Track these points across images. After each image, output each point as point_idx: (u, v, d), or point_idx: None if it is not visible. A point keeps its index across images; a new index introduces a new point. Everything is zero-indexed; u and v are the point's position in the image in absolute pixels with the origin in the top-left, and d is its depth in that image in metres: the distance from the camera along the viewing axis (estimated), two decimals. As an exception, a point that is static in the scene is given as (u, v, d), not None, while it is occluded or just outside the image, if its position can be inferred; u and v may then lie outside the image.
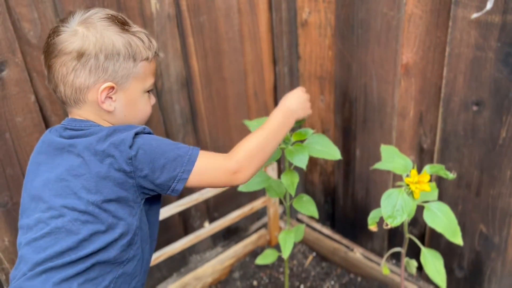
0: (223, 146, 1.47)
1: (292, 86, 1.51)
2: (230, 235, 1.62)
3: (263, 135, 0.85)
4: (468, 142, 1.10)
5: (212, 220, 1.54)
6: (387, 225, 0.81)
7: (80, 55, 0.77)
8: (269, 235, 1.60)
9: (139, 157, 0.75)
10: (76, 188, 0.74)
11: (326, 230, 1.60)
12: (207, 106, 1.38)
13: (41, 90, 1.04)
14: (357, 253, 1.48)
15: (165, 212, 1.28)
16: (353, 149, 1.40)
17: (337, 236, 1.57)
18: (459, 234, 0.85)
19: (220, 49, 1.35)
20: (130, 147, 0.75)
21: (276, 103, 1.58)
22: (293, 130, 1.02)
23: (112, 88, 0.80)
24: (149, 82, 0.85)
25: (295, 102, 0.96)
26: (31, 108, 1.02)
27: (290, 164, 1.01)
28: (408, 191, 0.84)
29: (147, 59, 0.82)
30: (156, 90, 1.25)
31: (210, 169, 0.79)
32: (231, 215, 1.49)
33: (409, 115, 1.22)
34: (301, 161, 0.93)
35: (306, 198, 1.09)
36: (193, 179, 0.78)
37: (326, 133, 1.48)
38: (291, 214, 1.70)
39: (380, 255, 1.46)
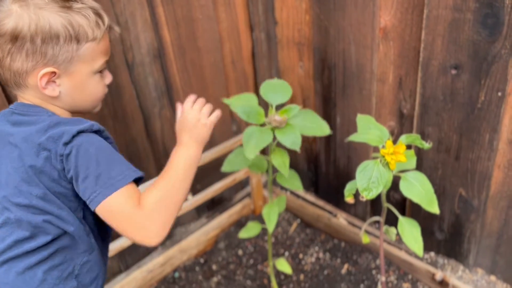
0: (202, 117, 1.44)
1: (270, 52, 1.47)
2: (214, 205, 1.62)
3: (170, 184, 0.74)
4: (447, 106, 1.08)
5: (195, 192, 1.53)
6: (363, 197, 0.80)
7: (14, 38, 0.69)
8: (253, 205, 1.60)
9: (70, 157, 0.69)
10: (16, 181, 0.70)
11: (310, 197, 1.60)
12: (182, 77, 1.34)
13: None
14: (341, 219, 1.49)
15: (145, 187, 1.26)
16: (333, 117, 1.37)
17: (320, 202, 1.57)
18: (436, 203, 0.84)
19: (192, 17, 1.29)
20: (66, 144, 0.69)
21: (255, 70, 1.54)
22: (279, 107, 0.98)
23: (54, 73, 0.73)
24: (99, 62, 0.77)
25: (191, 127, 0.85)
26: (-7, 89, 0.98)
27: (276, 141, 0.98)
28: (384, 162, 0.82)
29: (94, 39, 0.74)
30: (127, 63, 1.20)
31: (118, 212, 0.68)
32: (214, 186, 1.48)
33: (389, 80, 1.19)
34: (294, 142, 0.90)
35: (289, 172, 1.07)
36: (101, 211, 0.69)
37: (306, 100, 1.45)
38: (274, 182, 1.69)
39: (363, 219, 1.47)
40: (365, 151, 1.34)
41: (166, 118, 1.34)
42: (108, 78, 0.82)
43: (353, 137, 0.85)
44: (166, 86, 1.31)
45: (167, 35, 1.25)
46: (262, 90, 0.98)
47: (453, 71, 1.03)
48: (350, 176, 1.43)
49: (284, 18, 1.36)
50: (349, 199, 0.88)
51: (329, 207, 1.55)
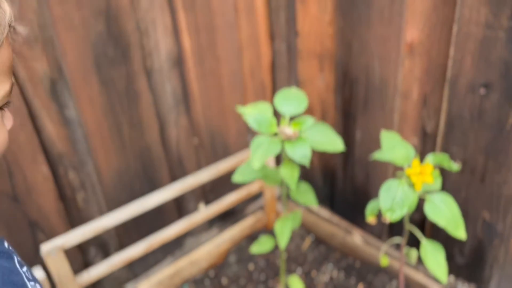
0: (218, 127, 1.42)
1: (290, 64, 1.44)
2: (226, 216, 1.59)
3: None
4: (474, 126, 1.04)
5: (207, 202, 1.50)
6: (385, 219, 0.76)
7: None
8: (266, 218, 1.57)
9: None
10: None
11: (325, 213, 1.56)
12: (200, 85, 1.32)
13: (21, 72, 0.98)
14: (356, 237, 1.44)
15: (154, 197, 1.23)
16: (353, 131, 1.34)
17: (335, 219, 1.53)
18: (463, 227, 0.80)
19: (213, 25, 1.27)
20: None
21: (273, 82, 1.51)
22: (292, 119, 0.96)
23: None
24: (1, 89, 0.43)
25: None
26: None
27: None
28: (409, 183, 0.78)
29: None
30: (146, 70, 1.18)
31: None
32: (227, 198, 1.45)
33: (413, 96, 1.15)
34: (304, 156, 0.87)
35: (304, 186, 1.04)
36: None
37: (325, 114, 1.42)
38: (288, 196, 1.66)
39: (380, 237, 1.43)
40: (384, 169, 1.30)
41: (182, 127, 1.32)
42: (9, 119, 0.49)
43: (378, 155, 0.81)
44: (183, 93, 1.29)
45: (187, 42, 1.24)
46: (277, 99, 0.95)
47: (482, 90, 0.99)
48: (368, 194, 1.39)
49: (306, 29, 1.34)
50: (370, 219, 0.85)
51: (344, 223, 1.51)
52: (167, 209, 1.39)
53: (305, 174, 1.61)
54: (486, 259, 1.16)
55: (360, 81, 1.24)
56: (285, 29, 1.39)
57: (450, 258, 1.23)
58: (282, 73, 1.46)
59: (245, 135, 1.51)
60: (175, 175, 1.37)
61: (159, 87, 1.23)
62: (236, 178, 1.03)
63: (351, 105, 1.31)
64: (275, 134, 0.94)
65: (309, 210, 1.58)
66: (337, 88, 1.33)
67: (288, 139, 0.90)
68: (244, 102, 1.45)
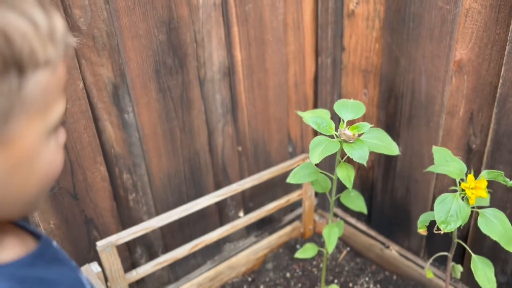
0: (262, 137, 1.46)
1: (334, 78, 1.48)
2: (264, 225, 1.62)
3: None
4: (522, 145, 1.05)
5: (247, 210, 1.54)
6: (438, 229, 0.78)
7: None
8: (303, 228, 1.59)
9: None
10: None
11: (361, 226, 1.58)
12: (248, 96, 1.37)
13: (88, 77, 1.05)
14: (393, 251, 1.45)
15: (203, 202, 1.28)
16: (395, 146, 1.36)
17: (372, 232, 1.54)
18: (515, 242, 0.81)
19: (263, 39, 1.33)
20: None
21: (316, 95, 1.55)
22: (351, 123, 0.99)
23: None
24: (57, 110, 0.40)
25: None
26: (79, 94, 1.03)
27: (342, 157, 0.99)
28: (463, 196, 0.81)
29: (47, 63, 0.37)
30: (199, 79, 1.24)
31: None
32: (267, 206, 1.48)
33: (459, 114, 1.17)
34: (361, 157, 0.90)
35: (354, 193, 1.07)
36: None
37: (367, 127, 1.45)
38: (324, 208, 1.68)
39: (417, 254, 1.44)
40: (426, 184, 1.32)
41: (228, 135, 1.37)
42: (62, 136, 0.44)
43: (433, 168, 0.84)
44: (232, 103, 1.34)
45: (239, 55, 1.29)
46: (336, 106, 0.99)
47: (533, 110, 1.01)
48: (407, 208, 1.40)
49: (353, 45, 1.38)
50: (421, 230, 0.87)
51: (381, 237, 1.52)
52: (209, 214, 1.43)
53: (342, 186, 1.64)
54: (529, 278, 1.16)
55: (406, 96, 1.27)
56: (332, 44, 1.43)
57: (491, 276, 1.23)
58: (326, 87, 1.50)
59: (286, 146, 1.55)
60: (219, 181, 1.42)
61: (210, 96, 1.28)
62: (290, 179, 1.07)
63: (395, 120, 1.33)
64: (331, 137, 0.98)
65: (346, 222, 1.60)
66: (381, 103, 1.36)
67: (347, 141, 0.94)
68: (287, 113, 1.49)
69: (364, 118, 1.44)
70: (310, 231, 1.60)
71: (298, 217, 1.64)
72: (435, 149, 0.92)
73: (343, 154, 0.96)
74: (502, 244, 0.81)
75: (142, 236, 1.29)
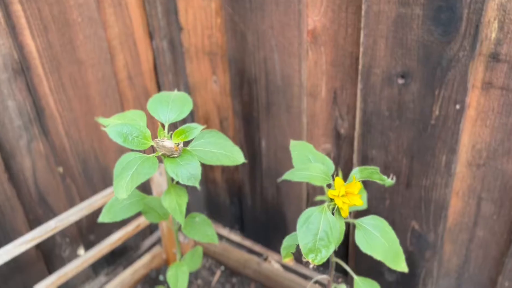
0: (91, 149, 1.12)
1: (176, 65, 1.19)
2: (116, 257, 1.29)
3: None
4: (394, 123, 0.88)
5: (88, 245, 1.20)
6: (308, 262, 0.55)
7: None
8: (165, 253, 1.30)
9: None
10: None
11: (235, 237, 1.33)
12: (58, 98, 1.01)
13: None
14: (272, 262, 1.24)
15: (11, 250, 0.91)
16: (257, 140, 1.13)
17: (247, 243, 1.31)
18: (403, 258, 0.62)
19: (67, 20, 0.98)
20: None
21: (158, 86, 1.25)
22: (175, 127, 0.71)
23: None
24: None
25: None
26: None
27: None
28: (334, 208, 0.58)
29: None
30: (-30, 82, 0.86)
31: None
32: (112, 237, 1.15)
33: (321, 94, 0.98)
34: (192, 176, 0.62)
35: (199, 218, 0.80)
36: None
37: (224, 122, 1.20)
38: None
39: (300, 261, 1.24)
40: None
41: (38, 153, 1.01)
42: None
43: (289, 176, 0.60)
44: (35, 110, 0.98)
45: (31, 43, 0.93)
46: (151, 104, 0.71)
47: (400, 81, 0.84)
48: (280, 210, 1.19)
49: (191, 22, 1.10)
50: (288, 259, 0.63)
51: (258, 247, 1.30)
52: (29, 262, 1.06)
53: (209, 193, 1.38)
54: (418, 274, 1.01)
55: (259, 80, 1.04)
56: (165, 22, 1.14)
57: (379, 276, 1.08)
58: (168, 77, 1.20)
59: (130, 156, 1.23)
60: (37, 217, 1.05)
61: (-5, 104, 0.91)
62: (103, 217, 0.76)
63: (252, 109, 1.10)
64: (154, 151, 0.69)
65: (218, 235, 1.34)
66: (234, 91, 1.11)
67: (171, 155, 0.66)
68: (123, 115, 1.17)
69: (218, 111, 1.18)
70: (175, 256, 1.31)
71: (159, 242, 1.34)
72: (293, 144, 0.69)
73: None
74: (388, 263, 0.61)
75: None
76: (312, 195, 1.13)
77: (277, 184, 1.16)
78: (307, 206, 1.15)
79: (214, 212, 1.40)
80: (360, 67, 0.86)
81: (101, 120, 0.73)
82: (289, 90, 1.00)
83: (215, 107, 1.19)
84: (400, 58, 0.81)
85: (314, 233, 0.56)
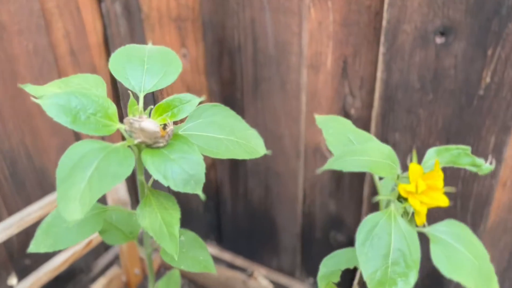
0: (21, 145, 0.85)
1: (134, 36, 0.94)
2: (62, 283, 1.02)
3: None
4: (426, 98, 0.69)
5: (22, 271, 0.92)
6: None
7: None
8: (125, 275, 1.04)
9: None
10: None
11: (211, 249, 1.10)
12: (-30, 76, 0.74)
13: None
14: (260, 277, 1.01)
15: None
16: (241, 128, 0.90)
17: (227, 256, 1.08)
18: (495, 280, 0.42)
19: (-20, -34, 0.71)
20: None
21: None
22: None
23: None
24: None
25: None
26: None
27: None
28: (405, 212, 0.37)
29: None
30: None
31: None
32: (55, 259, 0.89)
33: (326, 65, 0.76)
34: (190, 178, 0.38)
35: (186, 236, 0.57)
36: None
37: (196, 107, 0.96)
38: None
39: (291, 274, 1.03)
40: (292, 177, 0.90)
41: None
42: None
43: (337, 164, 0.37)
44: None
45: None
46: (114, 62, 0.47)
47: (439, 39, 0.64)
48: (269, 214, 0.97)
49: (152, -22, 0.86)
50: (327, 294, 0.41)
51: (239, 261, 1.07)
52: None
53: (175, 196, 1.13)
54: (448, 286, 0.83)
55: (245, 49, 0.81)
56: (118, -21, 0.89)
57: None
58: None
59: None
60: None
61: None
62: (38, 245, 0.51)
63: (234, 89, 0.87)
64: (124, 138, 0.45)
65: (188, 249, 1.10)
66: (210, 67, 0.88)
67: (153, 144, 0.42)
68: (64, 101, 0.90)
69: (189, 92, 0.94)
70: (138, 277, 1.05)
71: (117, 260, 1.08)
72: (321, 120, 0.47)
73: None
74: (482, 291, 0.40)
75: None
76: (309, 195, 0.91)
77: (266, 183, 0.94)
78: (303, 209, 0.94)
79: (184, 221, 1.16)
80: (384, 23, 0.66)
81: (30, 89, 0.47)
82: (284, 60, 0.78)
83: (184, 88, 0.95)
84: (440, 8, 0.62)
85: (384, 254, 0.34)
